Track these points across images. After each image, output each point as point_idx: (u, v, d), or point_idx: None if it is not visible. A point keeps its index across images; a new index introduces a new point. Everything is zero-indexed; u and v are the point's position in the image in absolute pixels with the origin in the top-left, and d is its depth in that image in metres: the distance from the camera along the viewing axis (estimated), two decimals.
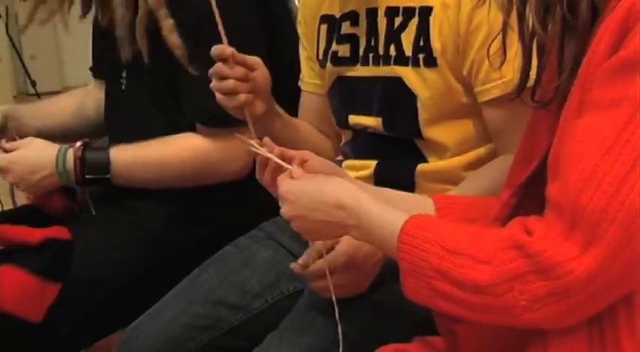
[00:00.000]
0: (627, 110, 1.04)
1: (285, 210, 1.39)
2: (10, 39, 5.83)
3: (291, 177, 1.42)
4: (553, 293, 1.07)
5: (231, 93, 1.61)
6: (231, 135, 1.78)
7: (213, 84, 1.61)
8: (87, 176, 2.00)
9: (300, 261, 1.59)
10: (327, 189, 1.36)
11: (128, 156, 2.03)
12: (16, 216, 2.12)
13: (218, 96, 1.62)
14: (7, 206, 2.28)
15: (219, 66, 1.60)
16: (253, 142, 1.53)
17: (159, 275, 1.94)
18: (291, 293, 1.85)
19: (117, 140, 2.18)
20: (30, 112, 2.34)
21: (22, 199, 2.22)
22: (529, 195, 1.30)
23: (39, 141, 2.06)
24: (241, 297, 1.85)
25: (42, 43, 6.22)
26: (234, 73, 1.60)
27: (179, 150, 2.02)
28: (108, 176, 2.00)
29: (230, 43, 1.76)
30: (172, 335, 1.81)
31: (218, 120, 1.84)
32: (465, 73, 1.66)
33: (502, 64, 1.37)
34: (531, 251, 1.07)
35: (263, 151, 1.50)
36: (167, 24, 1.94)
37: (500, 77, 1.59)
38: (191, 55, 1.96)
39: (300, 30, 1.99)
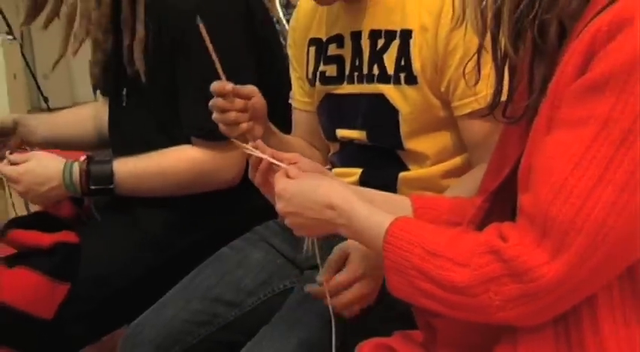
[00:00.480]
0: (594, 128, 1.05)
1: (280, 206, 1.40)
2: (25, 59, 5.83)
3: (287, 176, 1.42)
4: (525, 295, 1.09)
5: (232, 124, 1.60)
6: (225, 146, 1.85)
7: (216, 116, 1.61)
8: (92, 187, 2.00)
9: (318, 278, 1.56)
10: (321, 190, 1.37)
11: (130, 168, 2.03)
12: (29, 221, 2.11)
13: (221, 127, 1.62)
14: (21, 212, 2.28)
15: (219, 101, 1.59)
16: (248, 146, 1.54)
17: (160, 275, 1.94)
18: (281, 290, 1.85)
19: (119, 153, 2.19)
20: (39, 121, 2.33)
21: (34, 206, 2.22)
22: (500, 201, 1.31)
23: (46, 154, 2.07)
24: (236, 295, 1.85)
25: (53, 62, 6.19)
26: (234, 105, 1.59)
27: (177, 162, 2.01)
28: (111, 187, 2.01)
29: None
30: (173, 330, 1.80)
31: (213, 134, 1.81)
32: (442, 89, 1.66)
33: (477, 82, 1.37)
34: (506, 256, 1.09)
35: (258, 153, 1.50)
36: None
37: (475, 93, 1.59)
38: (186, 73, 1.98)
39: (290, 52, 1.99)
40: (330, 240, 1.62)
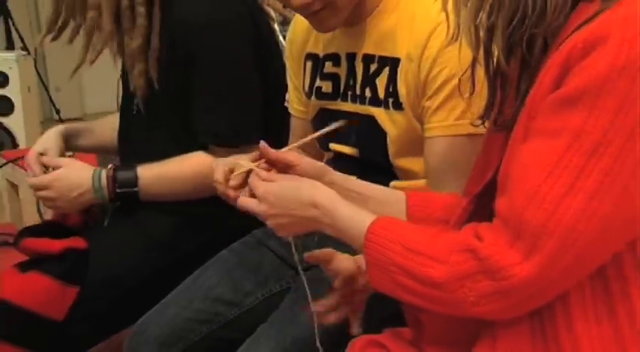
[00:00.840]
0: (566, 140, 1.06)
1: (264, 208, 1.40)
2: (38, 73, 5.82)
3: (262, 180, 1.44)
4: (497, 291, 1.10)
5: None
6: (239, 151, 1.79)
7: None
8: (118, 191, 2.01)
9: (324, 302, 1.54)
10: (304, 190, 1.38)
11: (153, 173, 2.03)
12: (40, 229, 2.12)
13: None
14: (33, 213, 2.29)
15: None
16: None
17: (164, 276, 1.94)
18: (278, 291, 1.86)
19: (127, 161, 2.20)
20: (78, 133, 2.32)
21: (47, 211, 2.24)
22: (483, 203, 1.30)
23: (78, 162, 2.08)
24: (235, 295, 1.85)
25: (65, 77, 6.18)
26: None
27: (195, 167, 2.01)
28: (136, 190, 2.01)
29: (230, 78, 1.87)
30: (176, 328, 1.81)
31: (229, 140, 1.86)
32: (419, 112, 1.66)
33: (471, 93, 1.37)
34: (481, 255, 1.10)
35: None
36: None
37: (440, 120, 1.62)
38: (200, 84, 1.99)
39: (287, 63, 1.99)
40: (309, 241, 1.70)
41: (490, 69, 1.25)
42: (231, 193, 1.52)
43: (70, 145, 2.28)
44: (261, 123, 1.99)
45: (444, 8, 1.29)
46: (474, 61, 1.28)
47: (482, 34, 1.18)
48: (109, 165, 2.04)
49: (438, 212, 1.51)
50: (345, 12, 1.68)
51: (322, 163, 1.60)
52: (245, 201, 1.43)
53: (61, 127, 2.23)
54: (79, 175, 2.02)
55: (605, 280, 1.14)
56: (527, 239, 1.07)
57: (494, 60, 1.21)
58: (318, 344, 1.52)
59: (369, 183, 1.59)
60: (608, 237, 1.09)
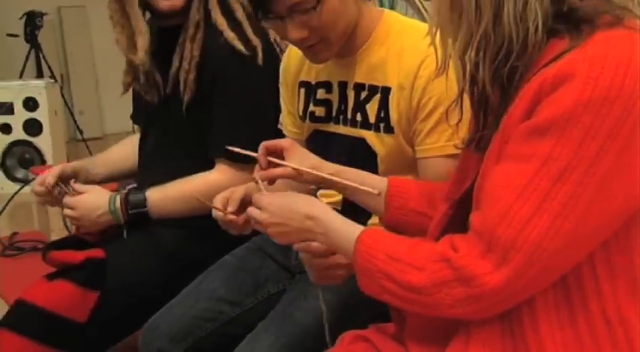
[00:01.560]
0: (535, 165, 1.07)
1: (265, 216, 1.40)
2: (64, 99, 5.82)
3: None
4: (470, 297, 1.11)
5: None
6: (241, 167, 1.92)
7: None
8: (130, 212, 2.04)
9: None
10: (301, 203, 1.38)
11: (159, 195, 2.06)
12: (63, 243, 2.14)
13: None
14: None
15: None
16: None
17: (173, 282, 1.93)
18: (276, 292, 1.85)
19: (143, 173, 2.26)
20: (95, 164, 2.34)
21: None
22: (462, 208, 1.30)
23: (98, 188, 2.11)
24: (237, 295, 1.84)
25: (87, 102, 6.21)
26: None
27: (198, 187, 2.02)
28: (145, 210, 2.04)
29: (247, 102, 1.95)
30: (185, 325, 1.80)
31: (235, 155, 1.82)
32: (411, 136, 1.66)
33: (459, 120, 1.35)
34: (456, 264, 1.11)
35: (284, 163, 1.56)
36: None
37: (432, 142, 1.63)
38: (221, 106, 2.02)
39: (281, 89, 1.96)
40: None
41: (475, 98, 1.24)
42: (231, 217, 1.57)
43: (82, 181, 2.29)
44: None
45: (433, 42, 1.28)
46: (462, 91, 1.27)
47: (470, 67, 1.17)
48: (124, 189, 2.08)
49: (411, 202, 1.54)
50: (337, 46, 1.67)
51: (317, 158, 1.61)
52: (250, 210, 1.43)
53: (70, 165, 2.26)
54: (98, 199, 2.06)
55: (567, 289, 1.14)
56: (498, 252, 1.08)
57: (479, 90, 1.20)
58: (327, 338, 1.54)
59: (361, 172, 1.60)
60: (570, 252, 1.10)
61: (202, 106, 2.04)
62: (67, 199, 2.07)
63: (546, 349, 1.15)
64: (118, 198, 2.03)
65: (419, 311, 1.20)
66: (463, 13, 1.14)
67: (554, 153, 1.05)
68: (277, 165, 1.56)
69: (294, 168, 1.55)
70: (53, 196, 2.12)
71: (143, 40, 2.03)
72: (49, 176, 2.11)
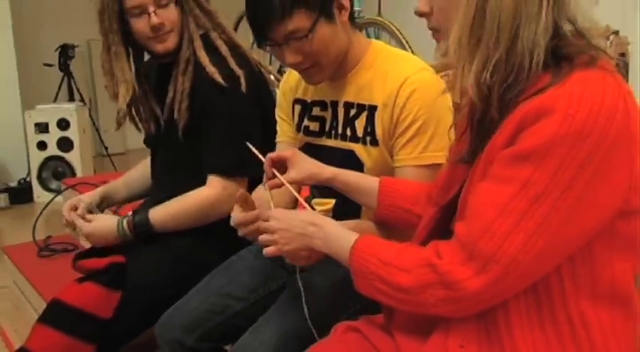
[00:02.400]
0: (515, 187, 1.07)
1: (273, 223, 1.41)
2: (91, 119, 5.81)
3: None
4: (452, 299, 1.12)
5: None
6: (231, 182, 1.90)
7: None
8: (137, 232, 2.05)
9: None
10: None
11: (159, 214, 2.06)
12: (89, 252, 2.14)
13: None
14: None
15: None
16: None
17: (185, 281, 1.91)
18: (275, 289, 1.83)
19: (155, 184, 2.27)
20: (117, 189, 2.37)
21: None
22: (447, 213, 1.30)
23: (102, 217, 2.14)
24: (242, 292, 1.83)
25: (112, 122, 6.19)
26: None
27: (195, 202, 2.04)
28: (150, 228, 2.04)
29: (233, 124, 1.91)
30: (196, 317, 1.79)
31: (225, 172, 1.88)
32: (390, 147, 1.68)
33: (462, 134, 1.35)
34: (440, 270, 1.12)
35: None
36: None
37: (406, 154, 1.64)
38: (211, 128, 2.01)
39: (277, 107, 1.96)
40: None
41: (477, 118, 1.23)
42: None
43: (107, 205, 2.37)
44: (257, 163, 1.96)
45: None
46: (472, 112, 1.26)
47: (483, 90, 1.14)
48: (129, 213, 2.08)
49: (399, 200, 1.56)
50: (329, 70, 1.69)
51: (316, 163, 1.63)
52: (260, 222, 1.47)
53: (97, 193, 2.29)
54: (106, 226, 2.07)
55: (537, 294, 1.15)
56: (479, 261, 1.09)
57: (484, 111, 1.19)
58: (310, 324, 1.55)
59: (358, 174, 1.64)
60: (541, 265, 1.10)
61: (195, 131, 2.04)
62: (84, 230, 2.09)
63: (517, 342, 1.15)
64: (124, 221, 2.04)
65: (407, 309, 1.21)
66: (483, 38, 1.12)
67: (533, 178, 1.06)
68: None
69: (284, 183, 1.58)
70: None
71: (124, 90, 2.07)
72: (80, 209, 2.17)
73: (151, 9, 1.98)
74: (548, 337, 1.15)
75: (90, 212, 2.18)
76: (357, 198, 1.63)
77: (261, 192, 1.74)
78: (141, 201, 2.37)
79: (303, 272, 1.60)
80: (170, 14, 2.01)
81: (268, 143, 1.99)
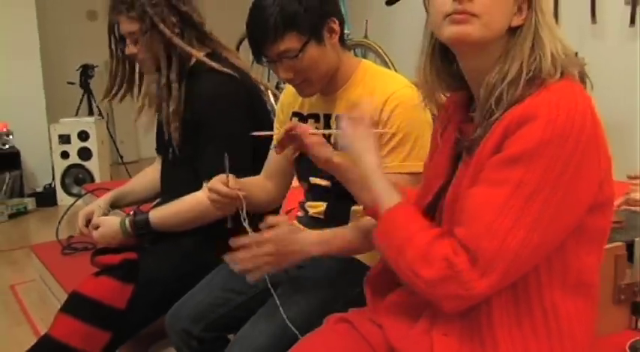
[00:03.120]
0: (510, 188, 1.05)
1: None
2: (109, 131, 5.80)
3: None
4: (460, 296, 1.09)
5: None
6: None
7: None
8: (137, 231, 2.01)
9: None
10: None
11: (158, 215, 2.02)
12: (106, 249, 2.10)
13: None
14: None
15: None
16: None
17: (190, 276, 1.89)
18: (274, 284, 1.75)
19: (164, 190, 2.23)
20: (126, 193, 2.32)
21: None
22: (430, 211, 1.27)
23: (108, 219, 2.09)
24: (242, 287, 1.78)
25: (126, 133, 6.19)
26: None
27: (190, 205, 1.99)
28: (150, 229, 2.01)
29: (228, 142, 1.86)
30: (201, 309, 1.76)
31: None
32: None
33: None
34: (456, 268, 1.07)
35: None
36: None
37: (390, 161, 1.60)
38: (205, 142, 1.96)
39: (275, 119, 1.95)
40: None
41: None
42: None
43: (118, 205, 2.31)
44: (247, 170, 1.93)
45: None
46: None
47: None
48: (131, 213, 2.06)
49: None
50: (319, 85, 1.69)
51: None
52: None
53: (108, 195, 2.25)
54: (111, 228, 2.03)
55: (515, 288, 1.13)
56: (482, 262, 1.06)
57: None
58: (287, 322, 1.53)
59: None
60: (535, 258, 1.09)
61: (192, 142, 2.00)
62: (94, 237, 2.07)
63: (496, 332, 1.13)
64: (127, 221, 2.01)
65: (416, 289, 1.14)
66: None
67: (525, 179, 1.04)
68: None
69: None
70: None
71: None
72: (94, 217, 2.14)
73: (127, 41, 1.99)
74: (523, 327, 1.13)
75: (105, 214, 2.17)
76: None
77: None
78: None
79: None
80: (141, 44, 1.97)
81: (260, 151, 1.97)
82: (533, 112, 1.05)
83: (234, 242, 1.52)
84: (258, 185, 1.88)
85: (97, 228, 2.08)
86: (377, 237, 1.20)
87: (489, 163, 1.09)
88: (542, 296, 1.13)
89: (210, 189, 1.61)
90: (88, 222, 2.13)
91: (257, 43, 1.63)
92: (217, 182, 1.60)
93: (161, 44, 1.95)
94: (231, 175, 1.59)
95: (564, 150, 1.03)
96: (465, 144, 1.19)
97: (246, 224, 1.56)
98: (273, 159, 1.92)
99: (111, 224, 2.04)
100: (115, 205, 2.27)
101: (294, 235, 1.52)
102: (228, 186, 1.58)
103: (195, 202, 1.96)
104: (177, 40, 1.96)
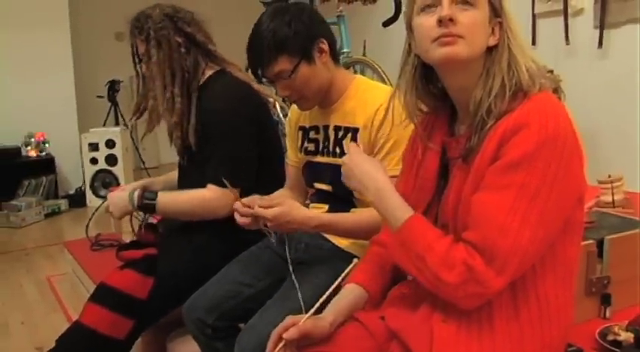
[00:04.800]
0: (514, 191, 1.05)
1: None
2: (132, 139, 5.79)
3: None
4: (479, 294, 1.08)
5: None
6: (225, 192, 1.75)
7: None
8: (144, 201, 1.97)
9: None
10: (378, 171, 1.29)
11: (166, 196, 1.99)
12: (129, 245, 2.11)
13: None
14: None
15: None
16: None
17: (204, 270, 1.87)
18: (279, 278, 1.74)
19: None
20: (154, 184, 2.25)
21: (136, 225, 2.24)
22: (428, 215, 1.23)
23: (117, 193, 2.06)
24: (252, 280, 1.79)
25: (148, 141, 6.17)
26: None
27: (193, 198, 1.96)
28: (154, 202, 1.96)
29: (232, 149, 1.86)
30: (215, 301, 1.75)
31: (221, 184, 1.77)
32: None
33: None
34: (475, 270, 1.05)
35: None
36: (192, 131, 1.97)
37: (386, 165, 1.57)
38: (212, 149, 1.93)
39: (287, 132, 1.94)
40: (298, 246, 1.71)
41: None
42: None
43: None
44: (249, 176, 1.93)
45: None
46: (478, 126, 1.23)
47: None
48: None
49: None
50: (314, 100, 1.71)
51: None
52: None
53: (139, 183, 2.20)
54: (120, 198, 2.00)
55: (512, 284, 1.11)
56: (498, 261, 1.04)
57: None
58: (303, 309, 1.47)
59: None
60: (541, 251, 1.09)
61: (201, 149, 1.98)
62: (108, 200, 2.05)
63: (494, 319, 1.12)
64: (135, 193, 1.98)
65: (435, 291, 1.11)
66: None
67: (527, 180, 1.04)
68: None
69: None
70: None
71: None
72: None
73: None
74: (520, 315, 1.12)
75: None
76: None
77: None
78: None
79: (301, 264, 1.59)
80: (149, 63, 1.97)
81: (266, 159, 1.97)
82: (525, 120, 1.05)
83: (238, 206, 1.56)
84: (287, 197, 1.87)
85: None
86: (395, 247, 1.17)
87: (491, 170, 1.08)
88: (537, 286, 1.12)
89: (237, 210, 1.59)
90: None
91: (255, 66, 1.65)
92: (243, 208, 1.58)
93: (166, 63, 1.94)
94: (257, 197, 1.58)
95: (556, 151, 1.04)
96: (462, 154, 1.17)
97: (273, 238, 1.61)
98: (292, 174, 1.94)
99: (120, 195, 2.02)
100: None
101: (294, 212, 1.54)
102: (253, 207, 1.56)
103: (199, 197, 1.93)
104: (181, 59, 1.96)
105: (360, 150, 1.34)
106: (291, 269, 1.58)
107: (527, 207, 1.04)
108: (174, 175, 2.25)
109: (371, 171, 1.26)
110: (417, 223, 1.15)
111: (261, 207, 1.53)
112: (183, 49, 1.97)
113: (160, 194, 1.98)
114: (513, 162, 1.05)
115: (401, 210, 1.18)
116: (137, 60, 2.02)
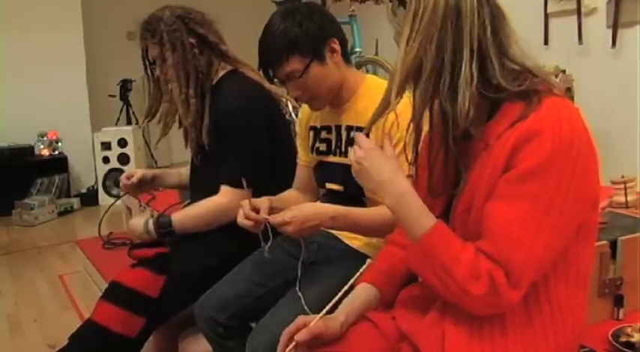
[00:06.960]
0: (528, 202, 1.04)
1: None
2: (144, 138, 5.82)
3: None
4: (496, 305, 1.07)
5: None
6: (239, 193, 1.80)
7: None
8: (160, 231, 2.00)
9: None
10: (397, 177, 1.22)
11: (180, 216, 2.01)
12: (141, 244, 2.09)
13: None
14: None
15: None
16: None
17: (215, 270, 1.87)
18: (291, 278, 1.73)
19: (192, 189, 2.19)
20: (169, 175, 2.31)
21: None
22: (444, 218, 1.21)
23: (137, 219, 2.06)
24: (264, 279, 1.79)
25: (160, 140, 6.17)
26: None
27: (209, 209, 1.97)
28: (172, 229, 1.99)
29: (245, 148, 1.86)
30: (227, 300, 1.75)
31: (235, 184, 1.81)
32: None
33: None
34: (496, 282, 1.04)
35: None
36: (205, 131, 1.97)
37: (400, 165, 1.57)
38: (226, 149, 1.94)
39: (298, 132, 1.93)
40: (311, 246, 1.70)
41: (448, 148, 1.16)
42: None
43: (158, 185, 2.29)
44: (262, 176, 1.93)
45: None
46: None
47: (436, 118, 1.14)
48: (155, 214, 2.04)
49: None
50: (326, 100, 1.69)
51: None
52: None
53: (151, 171, 2.23)
54: (137, 226, 2.02)
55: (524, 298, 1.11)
56: (515, 275, 1.04)
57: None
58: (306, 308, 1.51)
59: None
60: (554, 259, 1.09)
61: (213, 150, 1.99)
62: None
63: (505, 323, 1.11)
64: (150, 222, 2.00)
65: (457, 303, 1.10)
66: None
67: (541, 191, 1.03)
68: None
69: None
70: (133, 188, 2.20)
71: None
72: (134, 177, 2.19)
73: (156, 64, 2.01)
74: (532, 319, 1.11)
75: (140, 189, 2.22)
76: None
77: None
78: (172, 193, 2.34)
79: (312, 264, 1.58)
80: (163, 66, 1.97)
81: (277, 158, 1.97)
82: (538, 128, 1.04)
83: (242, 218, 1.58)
84: (294, 199, 1.87)
85: (129, 177, 2.17)
86: (415, 255, 1.13)
87: (504, 179, 1.06)
88: (549, 290, 1.11)
89: (243, 211, 1.60)
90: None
91: (266, 67, 1.65)
92: (249, 211, 1.59)
93: (180, 64, 1.95)
94: (267, 198, 1.59)
95: (570, 158, 1.03)
96: (470, 157, 1.15)
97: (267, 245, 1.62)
98: (302, 175, 1.94)
99: (137, 222, 2.03)
100: (155, 181, 2.27)
101: (307, 207, 1.56)
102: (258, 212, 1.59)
103: (213, 206, 1.95)
104: (195, 60, 1.97)
105: (374, 144, 1.29)
106: (299, 274, 1.60)
107: (542, 218, 1.02)
108: (186, 172, 2.26)
109: (389, 174, 1.19)
110: (441, 232, 1.11)
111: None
112: (196, 50, 1.98)
113: (172, 218, 2.00)
114: (527, 172, 1.03)
115: (423, 217, 1.13)
116: (147, 63, 2.03)
